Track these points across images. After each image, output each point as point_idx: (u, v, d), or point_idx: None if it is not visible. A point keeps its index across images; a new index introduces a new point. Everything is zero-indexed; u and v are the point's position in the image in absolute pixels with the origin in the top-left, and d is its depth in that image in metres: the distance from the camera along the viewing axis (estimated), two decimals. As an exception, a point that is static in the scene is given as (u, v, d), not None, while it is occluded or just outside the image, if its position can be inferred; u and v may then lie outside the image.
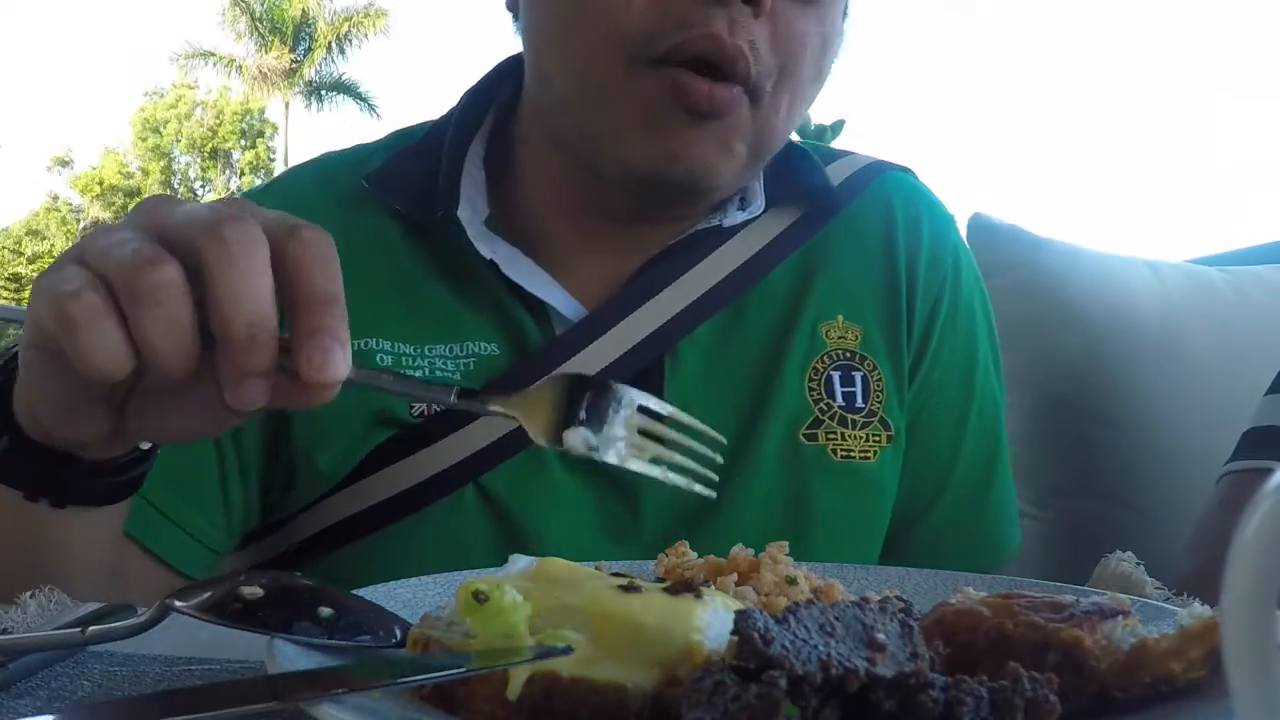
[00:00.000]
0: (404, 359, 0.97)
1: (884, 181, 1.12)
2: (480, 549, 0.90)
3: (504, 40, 1.10)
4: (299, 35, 33.68)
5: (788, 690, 0.34)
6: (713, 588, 0.54)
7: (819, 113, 2.50)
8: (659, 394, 0.93)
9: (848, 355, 1.03)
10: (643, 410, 0.62)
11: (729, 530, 0.95)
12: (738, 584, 0.59)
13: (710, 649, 0.42)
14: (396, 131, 1.13)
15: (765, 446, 0.99)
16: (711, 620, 0.44)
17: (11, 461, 0.72)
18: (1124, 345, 1.59)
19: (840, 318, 1.04)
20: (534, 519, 0.94)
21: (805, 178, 1.06)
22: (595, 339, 0.97)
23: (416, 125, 1.12)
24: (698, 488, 0.65)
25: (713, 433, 0.67)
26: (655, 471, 0.62)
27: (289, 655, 0.47)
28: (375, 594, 0.60)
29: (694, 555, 0.66)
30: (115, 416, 0.67)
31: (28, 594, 0.72)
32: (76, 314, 0.57)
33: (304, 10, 33.14)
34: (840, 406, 1.02)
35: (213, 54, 34.39)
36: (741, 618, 0.38)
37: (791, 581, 0.60)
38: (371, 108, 32.81)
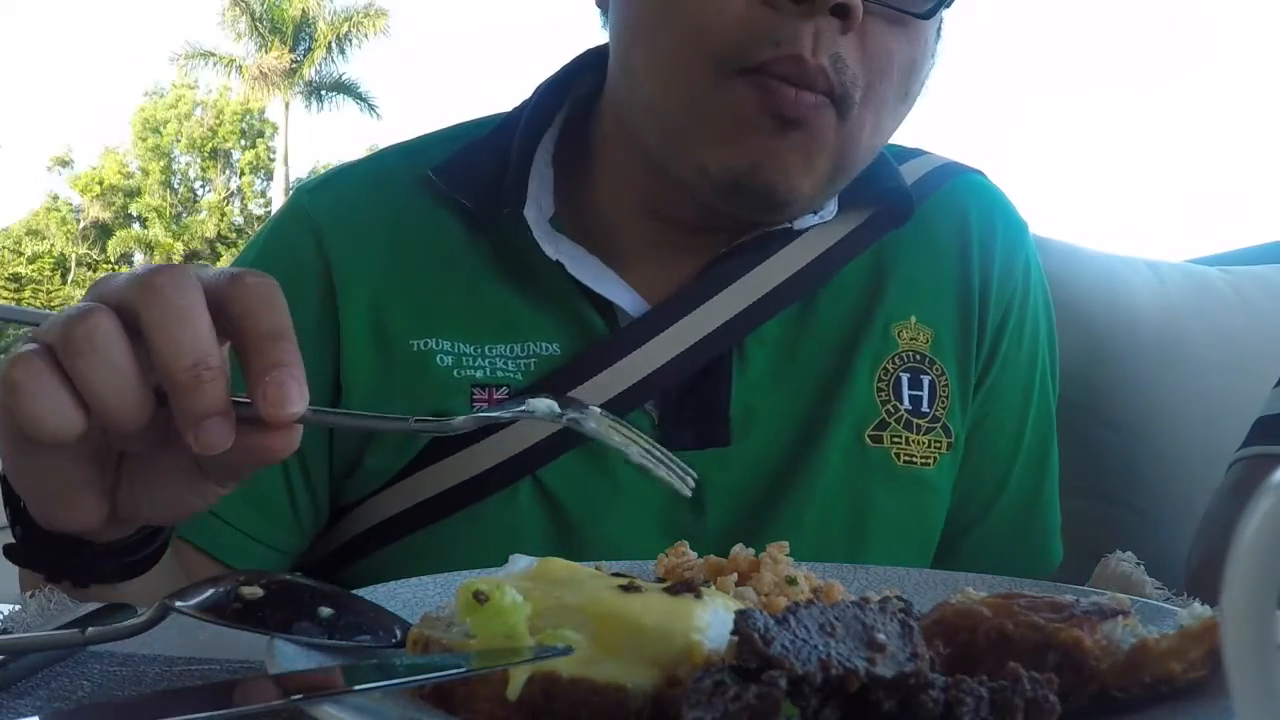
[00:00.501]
0: (464, 359, 0.96)
1: (958, 184, 1.11)
2: (535, 545, 0.88)
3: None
4: (299, 35, 33.67)
5: (787, 690, 0.34)
6: (713, 588, 0.54)
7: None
8: (727, 391, 0.97)
9: (918, 358, 1.02)
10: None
11: (790, 529, 0.95)
12: (738, 584, 0.59)
13: (710, 649, 0.42)
14: (460, 124, 1.11)
15: (831, 444, 0.98)
16: (712, 620, 0.44)
17: (26, 549, 0.73)
18: (1124, 345, 1.59)
19: (913, 318, 1.03)
20: (592, 516, 0.94)
21: (881, 183, 1.03)
22: (659, 332, 0.96)
23: (486, 117, 1.10)
24: (675, 482, 0.66)
25: (681, 464, 0.69)
26: (633, 451, 0.63)
27: (289, 655, 0.47)
28: (375, 594, 0.60)
29: (694, 555, 0.66)
30: (106, 500, 0.67)
31: (28, 594, 0.73)
32: (18, 376, 0.58)
33: (304, 10, 33.13)
34: (907, 410, 1.01)
35: (213, 54, 34.39)
36: (741, 618, 0.38)
37: (791, 581, 0.60)
38: (371, 108, 32.82)
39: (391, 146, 1.11)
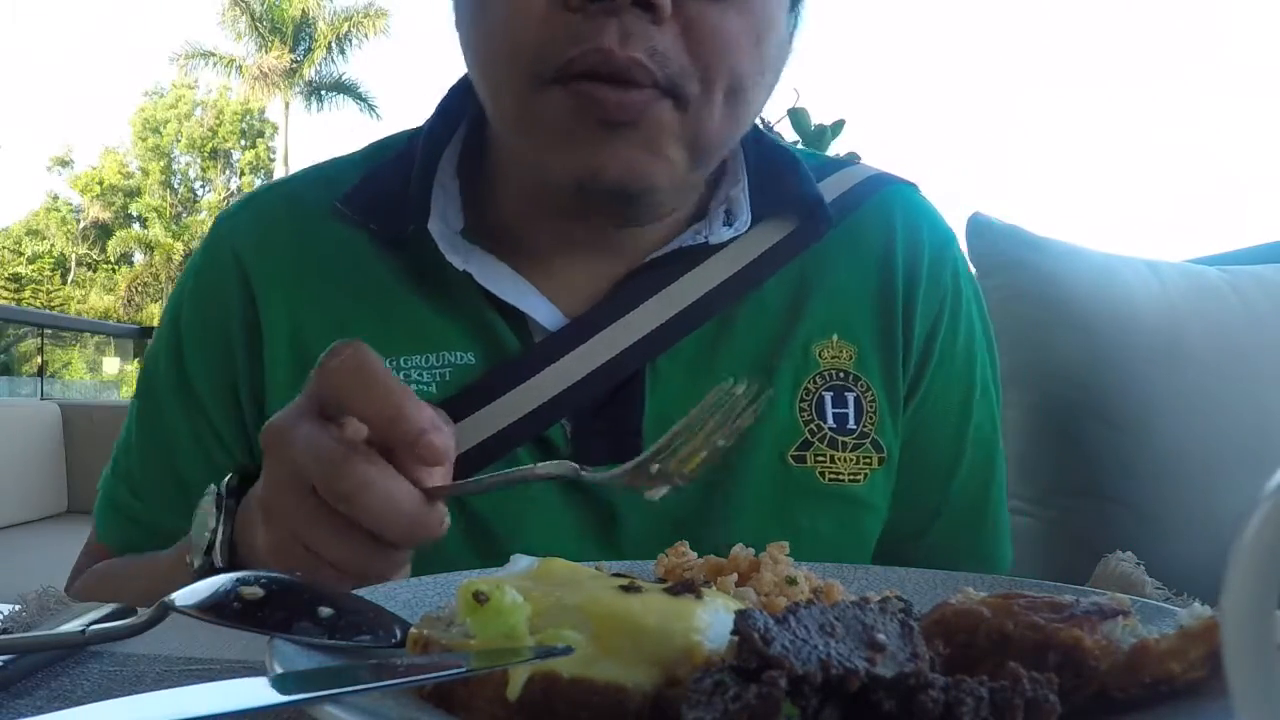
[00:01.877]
0: None
1: (885, 195, 1.10)
2: (459, 560, 0.89)
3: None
4: (299, 35, 33.67)
5: (788, 690, 0.34)
6: (713, 588, 0.54)
7: (819, 113, 2.50)
8: (640, 408, 0.96)
9: (841, 375, 1.01)
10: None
11: (714, 548, 0.94)
12: (738, 584, 0.59)
13: (710, 649, 0.42)
14: (374, 143, 1.13)
15: (752, 464, 0.97)
16: (712, 621, 0.44)
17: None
18: (1123, 345, 1.59)
19: (835, 336, 1.02)
20: (511, 530, 0.93)
21: (793, 189, 1.03)
22: (574, 348, 0.95)
23: (395, 135, 1.12)
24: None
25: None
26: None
27: (289, 655, 0.47)
28: (375, 594, 0.60)
29: (694, 555, 0.66)
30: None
31: (30, 593, 0.73)
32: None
33: (304, 10, 33.14)
34: (831, 428, 0.99)
35: (213, 54, 34.38)
36: (741, 618, 0.38)
37: (791, 581, 0.60)
38: (371, 108, 32.81)
39: (307, 170, 1.13)
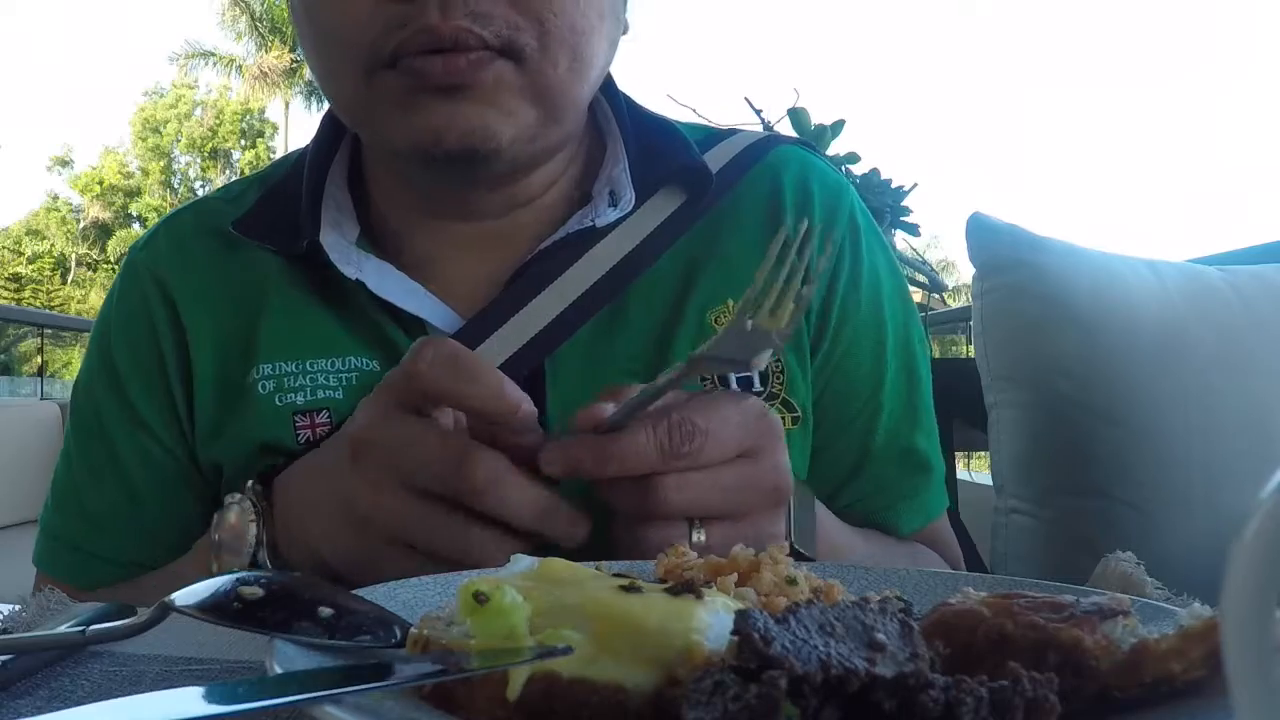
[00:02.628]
0: (286, 378, 0.98)
1: (772, 158, 1.09)
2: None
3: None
4: (299, 35, 33.63)
5: (788, 690, 0.34)
6: (714, 588, 0.54)
7: (819, 113, 2.49)
8: (542, 401, 0.96)
9: None
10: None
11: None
12: (738, 584, 0.59)
13: (710, 649, 0.42)
14: (275, 161, 1.17)
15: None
16: (713, 621, 0.44)
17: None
18: (1123, 344, 1.59)
19: (730, 302, 1.01)
20: None
21: (676, 160, 1.03)
22: (472, 348, 0.94)
23: (282, 158, 1.15)
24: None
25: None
26: None
27: (289, 655, 0.47)
28: (375, 594, 0.60)
29: (694, 555, 0.66)
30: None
31: (30, 593, 0.73)
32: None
33: (304, 10, 33.07)
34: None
35: (213, 54, 34.39)
36: (741, 618, 0.38)
37: (792, 581, 0.60)
38: (371, 107, 32.64)
39: (216, 191, 1.16)
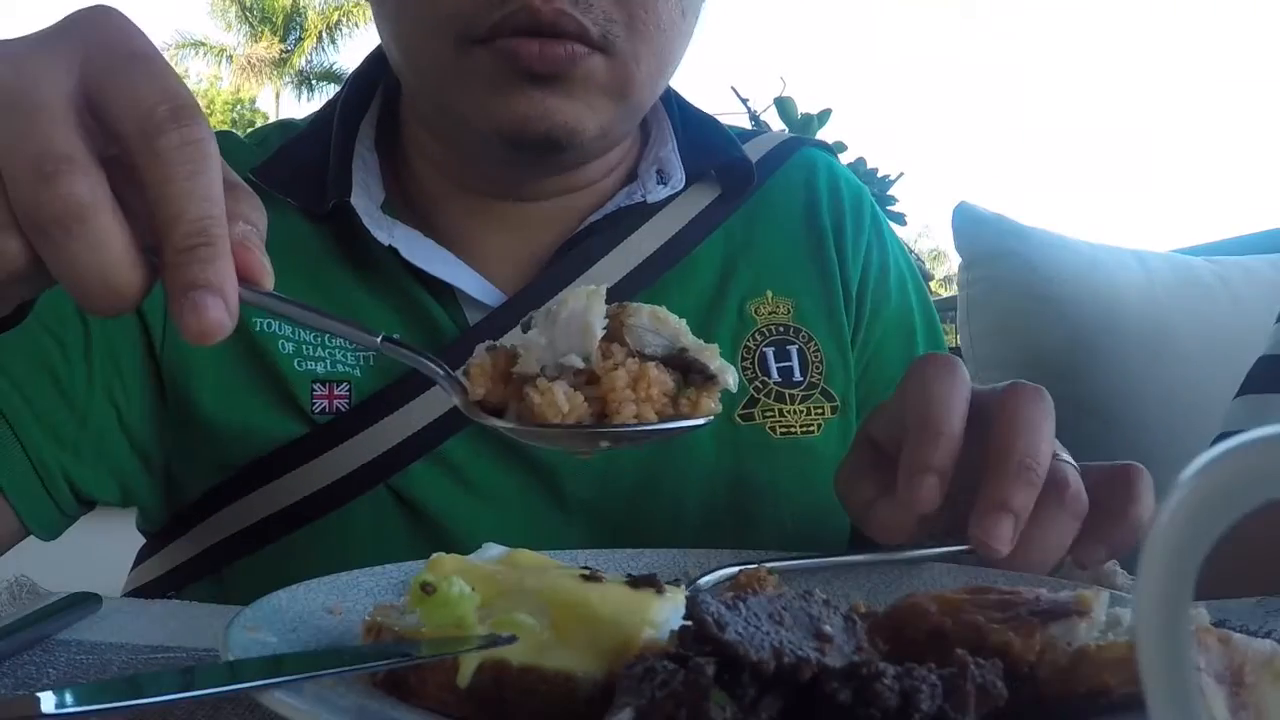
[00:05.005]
0: (304, 348, 0.92)
1: (803, 156, 1.12)
2: (403, 550, 0.82)
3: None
4: (289, 24, 33.57)
5: (727, 679, 0.34)
6: (681, 586, 0.54)
7: (805, 102, 2.49)
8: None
9: (780, 330, 1.01)
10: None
11: (671, 516, 0.94)
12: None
13: (653, 638, 0.42)
14: (280, 121, 1.09)
15: (698, 430, 0.96)
16: (670, 616, 0.44)
17: None
18: (1109, 335, 1.59)
19: (769, 293, 1.02)
20: (453, 519, 0.91)
21: (721, 152, 1.04)
22: (513, 326, 0.90)
23: (302, 119, 1.08)
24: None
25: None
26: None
27: (243, 643, 0.46)
28: (338, 581, 0.60)
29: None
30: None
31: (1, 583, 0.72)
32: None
33: (295, -1, 33.04)
34: (776, 383, 0.99)
35: (203, 43, 34.27)
36: (694, 602, 0.38)
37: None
38: (363, 97, 32.60)
39: (251, 133, 1.08)
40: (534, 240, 0.98)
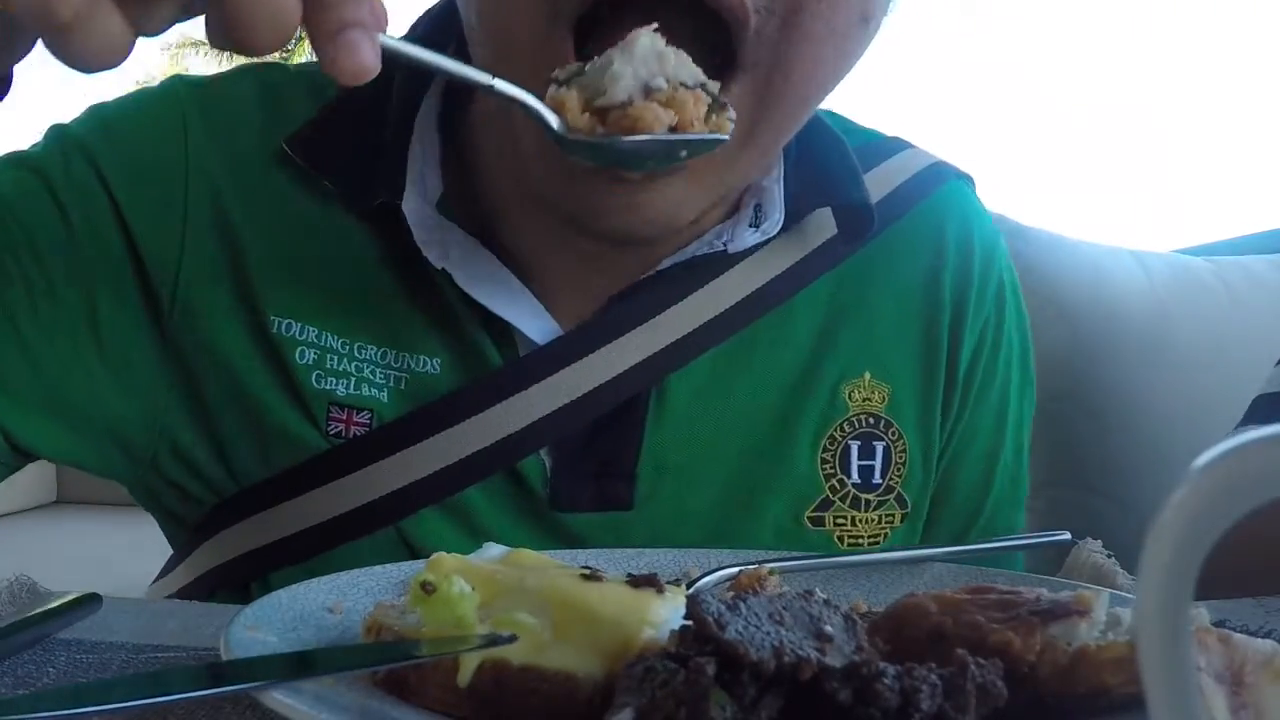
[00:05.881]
0: (328, 359, 0.79)
1: (938, 197, 0.92)
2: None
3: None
4: (291, 24, 33.57)
5: (727, 679, 0.34)
6: (681, 586, 0.54)
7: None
8: (637, 443, 0.81)
9: (870, 422, 0.86)
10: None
11: None
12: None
13: (654, 638, 0.42)
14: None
15: (762, 525, 0.83)
16: (670, 616, 0.44)
17: None
18: (1108, 335, 1.59)
19: (867, 375, 0.86)
20: None
21: (839, 192, 0.84)
22: (564, 366, 0.79)
23: None
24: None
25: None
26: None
27: (244, 643, 0.46)
28: (338, 581, 0.60)
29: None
30: None
31: (1, 582, 0.72)
32: None
33: (296, -1, 33.03)
34: (855, 484, 0.85)
35: (203, 43, 34.29)
36: (694, 602, 0.38)
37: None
38: (364, 97, 32.66)
39: (289, 65, 0.89)
40: (607, 272, 0.82)
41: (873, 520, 0.86)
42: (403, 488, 0.78)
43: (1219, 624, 0.47)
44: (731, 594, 0.40)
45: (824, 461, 0.85)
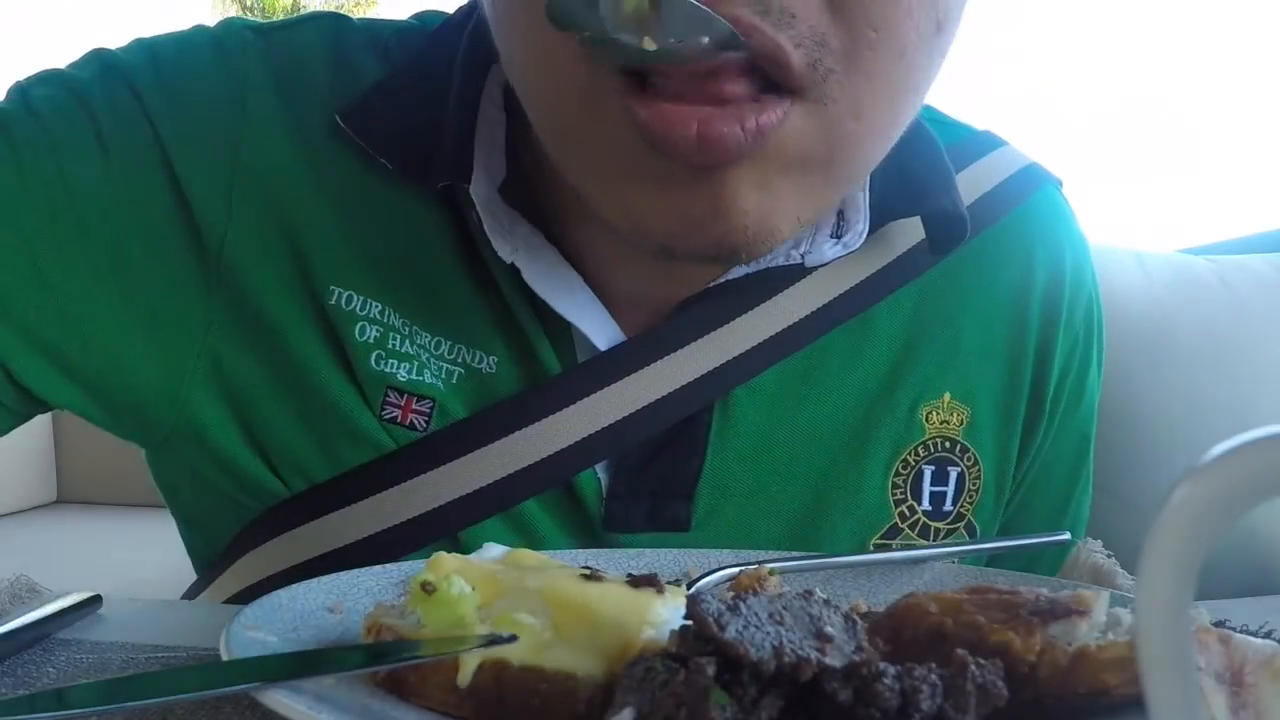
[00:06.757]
0: (390, 338, 0.73)
1: (1030, 204, 0.86)
2: None
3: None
4: (292, 24, 33.61)
5: (727, 679, 0.34)
6: (682, 585, 0.54)
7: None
8: (699, 461, 0.76)
9: (947, 446, 0.82)
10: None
11: None
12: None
13: (654, 638, 0.42)
14: (396, 26, 0.80)
15: (826, 549, 0.79)
16: (671, 616, 0.44)
17: None
18: (1108, 335, 1.58)
19: (947, 396, 0.81)
20: None
21: (930, 198, 0.77)
22: (629, 374, 0.74)
23: (425, 14, 0.81)
24: None
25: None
26: None
27: (243, 643, 0.46)
28: (339, 580, 0.60)
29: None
30: None
31: (2, 580, 0.72)
32: None
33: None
34: (925, 511, 0.81)
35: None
36: (694, 602, 0.38)
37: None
38: (364, 97, 32.64)
39: (368, 22, 0.80)
40: (677, 279, 0.76)
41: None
42: (468, 494, 0.73)
43: (1219, 624, 0.47)
44: (731, 594, 0.40)
45: (895, 487, 0.81)
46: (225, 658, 0.44)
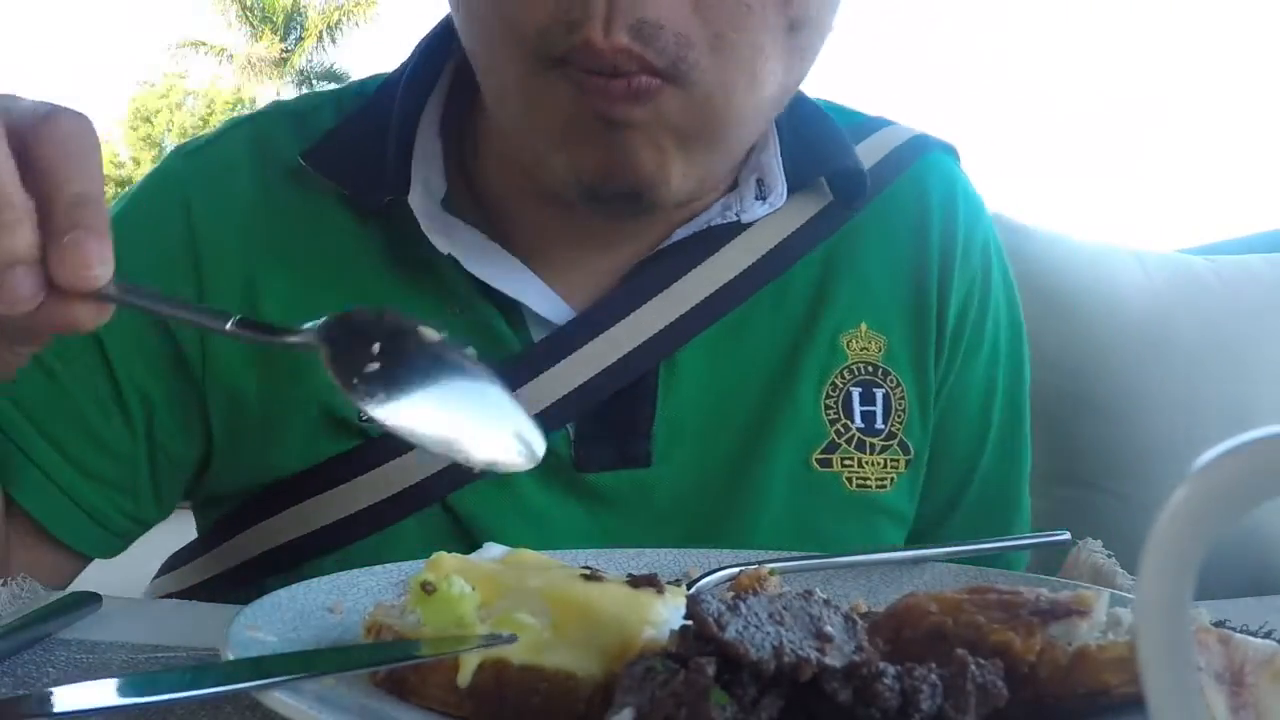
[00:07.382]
0: None
1: (922, 165, 0.98)
2: None
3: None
4: (290, 24, 33.57)
5: (727, 679, 0.34)
6: (681, 585, 0.54)
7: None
8: (652, 406, 0.86)
9: (870, 369, 0.91)
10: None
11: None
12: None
13: (654, 638, 0.42)
14: (349, 86, 0.97)
15: (773, 470, 0.88)
16: (670, 616, 0.44)
17: None
18: (1108, 334, 1.59)
19: (864, 325, 0.91)
20: (512, 544, 0.78)
21: (833, 159, 0.90)
22: (582, 345, 0.84)
23: (371, 78, 0.95)
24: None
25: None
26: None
27: (244, 643, 0.46)
28: (338, 580, 0.60)
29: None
30: None
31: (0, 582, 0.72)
32: None
33: (295, -1, 33.07)
34: (859, 428, 0.90)
35: (203, 43, 34.29)
36: (694, 602, 0.38)
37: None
38: (363, 97, 32.58)
39: (279, 104, 0.95)
40: (614, 254, 0.88)
41: (878, 464, 0.90)
42: (447, 466, 0.81)
43: (1219, 624, 0.47)
44: (731, 594, 0.40)
45: (827, 407, 0.89)
46: (225, 658, 0.44)
